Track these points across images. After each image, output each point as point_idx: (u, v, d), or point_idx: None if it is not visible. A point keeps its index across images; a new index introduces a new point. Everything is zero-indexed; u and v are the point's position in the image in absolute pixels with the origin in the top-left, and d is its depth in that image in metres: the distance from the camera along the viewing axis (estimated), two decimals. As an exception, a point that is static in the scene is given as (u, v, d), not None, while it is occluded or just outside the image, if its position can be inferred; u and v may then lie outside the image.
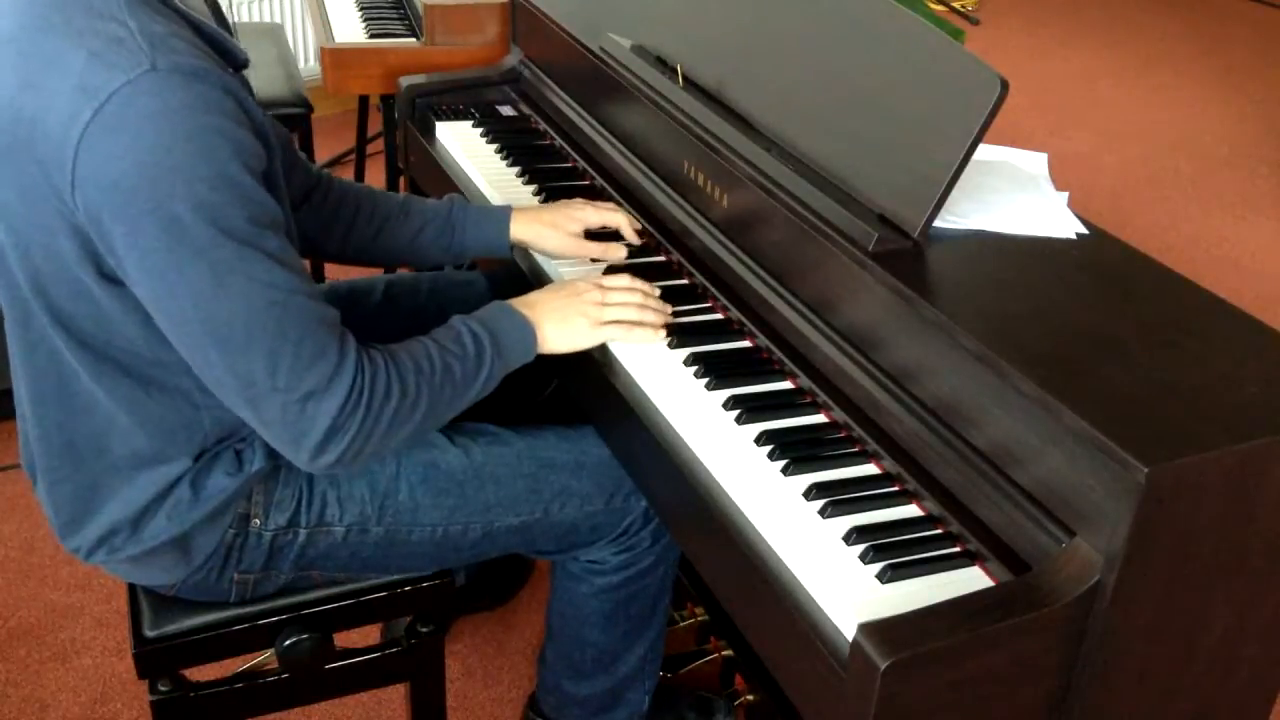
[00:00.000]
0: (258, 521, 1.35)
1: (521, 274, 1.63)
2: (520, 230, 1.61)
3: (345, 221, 1.58)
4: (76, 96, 1.05)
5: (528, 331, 1.35)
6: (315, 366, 1.15)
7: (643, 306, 1.43)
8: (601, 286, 1.43)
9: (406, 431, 1.24)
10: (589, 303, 1.41)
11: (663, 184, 1.68)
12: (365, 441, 1.20)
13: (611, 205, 1.67)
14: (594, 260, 1.61)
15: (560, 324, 1.38)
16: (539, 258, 1.63)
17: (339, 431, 1.18)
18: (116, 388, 1.23)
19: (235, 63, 1.23)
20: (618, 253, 1.60)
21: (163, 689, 1.39)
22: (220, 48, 1.20)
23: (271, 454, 1.32)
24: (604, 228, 1.63)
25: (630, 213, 1.67)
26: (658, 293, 1.48)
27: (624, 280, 1.46)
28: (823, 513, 1.20)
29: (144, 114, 1.05)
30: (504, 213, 1.62)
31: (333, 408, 1.16)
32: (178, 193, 1.06)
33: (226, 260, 1.09)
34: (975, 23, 5.44)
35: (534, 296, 1.41)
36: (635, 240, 1.64)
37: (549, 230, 1.60)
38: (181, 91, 1.06)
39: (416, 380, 1.23)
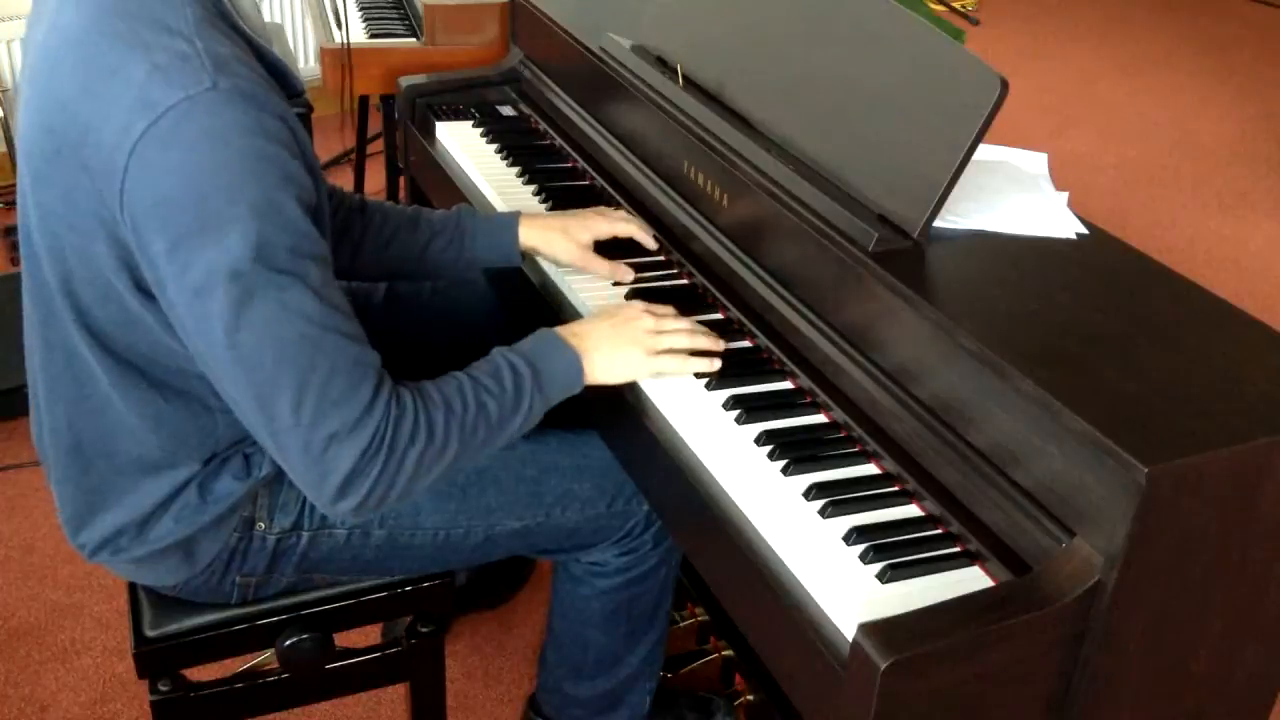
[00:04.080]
0: (262, 525, 1.35)
1: (524, 275, 1.63)
2: (530, 237, 1.59)
3: (355, 235, 1.56)
4: (134, 108, 1.04)
5: (573, 362, 1.30)
6: (341, 407, 1.12)
7: (693, 333, 1.39)
8: (653, 313, 1.38)
9: (436, 473, 1.20)
10: (642, 330, 1.35)
11: (663, 184, 1.68)
12: (389, 488, 1.16)
13: (624, 214, 1.65)
14: (615, 284, 1.57)
15: (611, 353, 1.33)
16: (548, 269, 1.61)
17: (360, 476, 1.14)
18: (133, 392, 1.23)
19: (292, 91, 1.22)
20: (625, 274, 1.56)
21: (163, 689, 1.39)
22: (280, 76, 1.19)
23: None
24: (615, 238, 1.61)
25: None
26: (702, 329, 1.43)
27: (671, 309, 1.41)
28: (823, 513, 1.20)
29: (199, 131, 1.04)
30: (513, 219, 1.60)
31: (354, 452, 1.13)
32: (224, 213, 1.05)
33: (264, 287, 1.07)
34: (975, 23, 5.44)
35: (582, 325, 1.36)
36: (652, 245, 1.62)
37: (559, 237, 1.58)
38: (239, 113, 1.05)
39: (446, 421, 1.19)
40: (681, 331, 1.38)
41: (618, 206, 1.74)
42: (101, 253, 1.13)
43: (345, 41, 2.42)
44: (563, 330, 1.34)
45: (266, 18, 3.83)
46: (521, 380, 1.26)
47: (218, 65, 1.06)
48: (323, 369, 1.11)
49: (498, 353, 1.29)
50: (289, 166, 1.09)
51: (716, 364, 1.38)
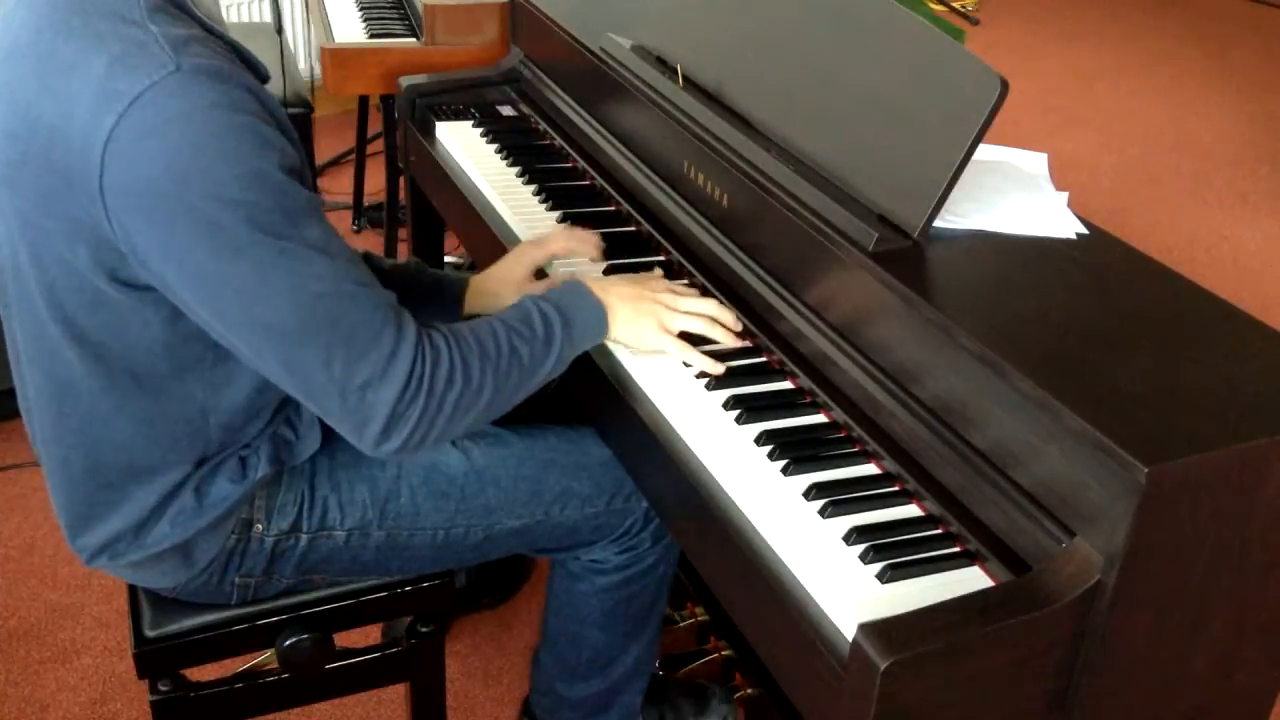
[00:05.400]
0: (260, 527, 1.35)
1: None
2: (474, 305, 1.56)
3: None
4: (99, 102, 1.03)
5: (600, 313, 1.34)
6: (370, 355, 1.14)
7: (712, 323, 1.41)
8: (675, 292, 1.41)
9: (473, 416, 1.23)
10: (662, 304, 1.38)
11: (662, 184, 1.68)
12: (429, 428, 1.19)
13: (561, 229, 1.63)
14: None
15: (632, 314, 1.36)
16: (550, 268, 1.60)
17: (400, 419, 1.16)
18: (125, 400, 1.22)
19: (257, 75, 1.21)
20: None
21: (163, 689, 1.39)
22: (242, 59, 1.18)
23: (275, 459, 1.32)
24: (554, 257, 1.58)
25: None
26: (728, 314, 1.43)
27: (695, 294, 1.44)
28: (823, 513, 1.20)
29: (171, 115, 1.03)
30: (458, 287, 1.56)
31: (392, 395, 1.15)
32: (210, 192, 1.04)
33: (268, 256, 1.08)
34: (975, 23, 5.44)
35: (608, 281, 1.40)
36: (595, 255, 1.59)
37: (497, 289, 1.55)
38: (207, 91, 1.05)
39: (481, 364, 1.22)
40: (702, 317, 1.40)
41: (617, 206, 1.75)
42: (82, 255, 1.11)
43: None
44: (590, 282, 1.37)
45: (266, 18, 3.83)
46: (552, 326, 1.28)
47: (176, 47, 1.05)
48: (345, 323, 1.12)
49: (528, 299, 1.31)
50: (264, 133, 1.08)
51: (721, 368, 1.38)
